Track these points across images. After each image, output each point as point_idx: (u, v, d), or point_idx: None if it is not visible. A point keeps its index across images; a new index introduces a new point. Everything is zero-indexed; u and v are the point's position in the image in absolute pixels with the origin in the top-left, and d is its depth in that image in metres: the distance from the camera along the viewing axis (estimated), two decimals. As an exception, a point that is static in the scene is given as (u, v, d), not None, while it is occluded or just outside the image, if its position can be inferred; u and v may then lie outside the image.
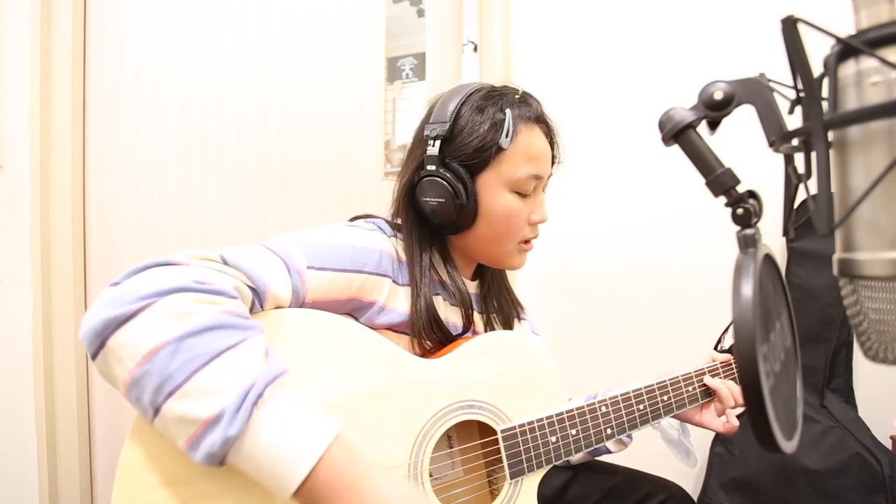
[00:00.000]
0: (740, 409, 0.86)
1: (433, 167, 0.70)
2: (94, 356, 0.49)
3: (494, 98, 0.72)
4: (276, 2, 1.34)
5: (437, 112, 0.72)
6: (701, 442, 1.30)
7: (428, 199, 0.71)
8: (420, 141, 0.74)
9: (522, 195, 0.73)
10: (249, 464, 0.47)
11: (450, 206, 0.70)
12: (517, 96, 0.74)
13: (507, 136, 0.70)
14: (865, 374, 1.32)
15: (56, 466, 1.19)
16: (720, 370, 0.87)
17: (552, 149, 0.77)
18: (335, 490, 0.48)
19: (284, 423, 0.48)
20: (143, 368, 0.46)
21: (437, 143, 0.70)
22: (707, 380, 0.84)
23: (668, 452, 0.91)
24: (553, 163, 0.78)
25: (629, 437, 0.89)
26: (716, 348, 0.94)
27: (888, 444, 1.24)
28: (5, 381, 1.17)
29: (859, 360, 1.32)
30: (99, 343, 0.48)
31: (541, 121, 0.75)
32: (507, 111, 0.71)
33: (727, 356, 0.89)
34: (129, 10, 1.25)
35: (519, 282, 1.38)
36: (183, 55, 1.28)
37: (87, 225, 1.25)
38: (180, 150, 1.28)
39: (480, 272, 0.85)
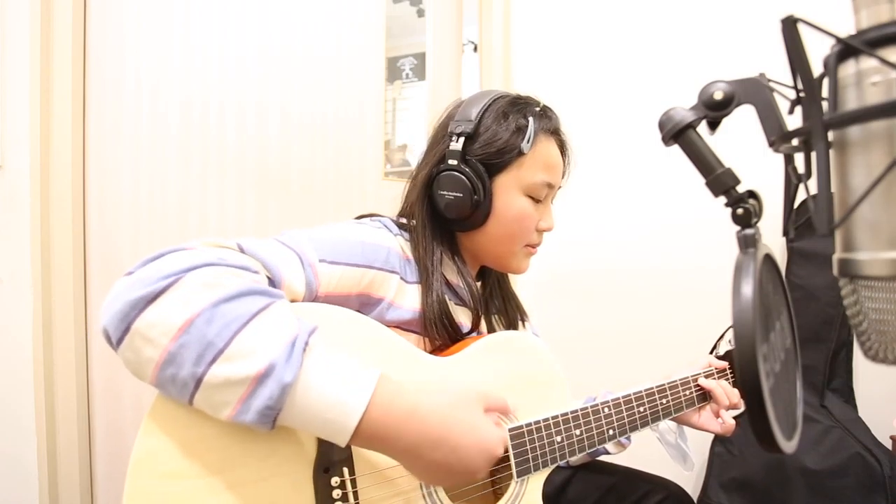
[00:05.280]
0: (735, 411, 0.87)
1: (454, 162, 0.72)
2: (118, 343, 0.47)
3: (519, 105, 0.75)
4: (276, 2, 1.34)
5: (461, 112, 0.75)
6: (701, 442, 1.30)
7: (445, 192, 0.73)
8: (441, 137, 0.76)
9: (535, 200, 0.75)
10: (302, 413, 0.48)
11: (466, 202, 0.72)
12: (538, 108, 0.76)
13: (528, 142, 0.72)
14: (865, 374, 1.32)
15: (56, 466, 1.19)
16: (715, 376, 0.88)
17: (564, 162, 0.80)
18: (393, 419, 0.50)
19: (331, 368, 0.49)
20: (180, 341, 0.46)
21: (461, 139, 0.72)
22: (701, 381, 0.86)
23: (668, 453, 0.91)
24: (563, 175, 0.81)
25: (628, 438, 0.90)
26: (712, 353, 0.94)
27: (888, 444, 1.24)
28: (5, 381, 1.17)
29: (859, 360, 1.32)
30: (124, 327, 0.47)
31: (557, 134, 0.78)
32: (530, 119, 0.74)
33: (724, 364, 0.89)
34: (129, 10, 1.25)
35: (519, 282, 1.37)
36: (183, 55, 1.28)
37: (87, 225, 1.25)
38: (180, 150, 1.28)
39: (483, 275, 0.86)
